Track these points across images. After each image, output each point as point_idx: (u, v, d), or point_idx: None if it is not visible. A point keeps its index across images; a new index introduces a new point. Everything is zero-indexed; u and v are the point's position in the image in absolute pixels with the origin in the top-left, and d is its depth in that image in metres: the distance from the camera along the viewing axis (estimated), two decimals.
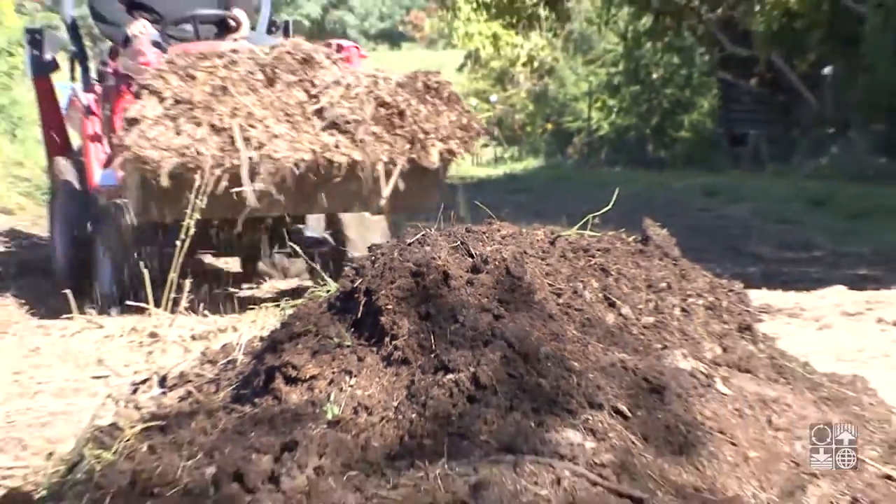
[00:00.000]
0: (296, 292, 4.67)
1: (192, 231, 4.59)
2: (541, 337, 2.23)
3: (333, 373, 2.28)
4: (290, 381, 2.30)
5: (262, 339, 2.87)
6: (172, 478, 2.12)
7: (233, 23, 5.57)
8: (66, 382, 4.24)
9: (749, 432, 2.25)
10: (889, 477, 2.31)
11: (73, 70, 6.20)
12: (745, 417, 2.29)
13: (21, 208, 9.17)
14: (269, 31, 6.12)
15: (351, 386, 2.23)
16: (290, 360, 2.32)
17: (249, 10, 5.82)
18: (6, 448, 3.41)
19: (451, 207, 3.44)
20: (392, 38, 50.79)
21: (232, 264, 6.61)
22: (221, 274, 6.25)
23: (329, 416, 2.15)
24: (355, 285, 2.46)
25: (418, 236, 2.59)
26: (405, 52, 42.57)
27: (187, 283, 4.35)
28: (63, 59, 6.71)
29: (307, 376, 2.29)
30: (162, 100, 4.31)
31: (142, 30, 5.26)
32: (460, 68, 25.03)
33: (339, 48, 5.05)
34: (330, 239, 5.52)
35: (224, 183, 4.29)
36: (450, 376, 2.14)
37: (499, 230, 2.77)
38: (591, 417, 2.08)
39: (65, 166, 5.94)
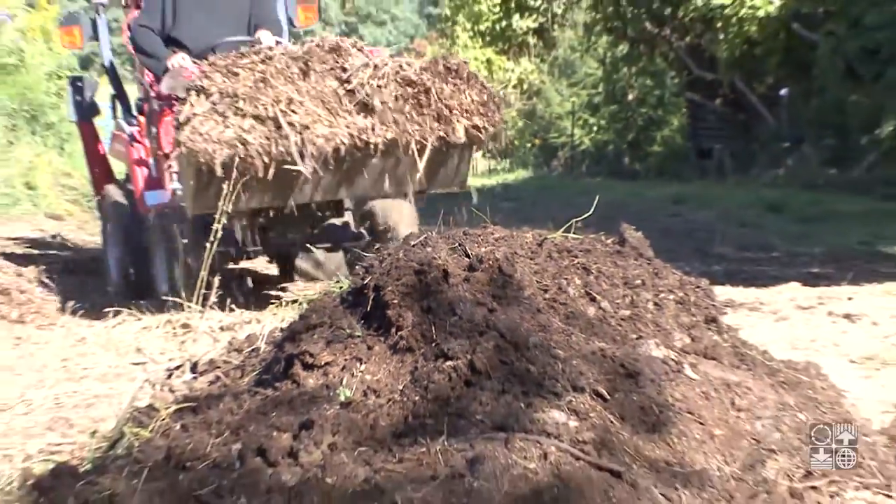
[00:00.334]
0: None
1: (241, 226, 4.54)
2: (530, 328, 2.24)
3: (345, 360, 2.28)
4: (307, 367, 2.30)
5: (282, 330, 2.87)
6: (203, 453, 2.13)
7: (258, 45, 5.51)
8: (108, 368, 4.24)
9: (714, 412, 2.25)
10: None
11: (114, 108, 6.18)
12: (711, 399, 2.29)
13: (69, 214, 9.18)
14: None
15: (361, 372, 2.24)
16: (307, 348, 2.32)
17: (278, 33, 5.74)
18: (55, 427, 3.42)
19: (451, 213, 3.44)
20: None
21: (263, 264, 6.58)
22: (251, 274, 6.23)
23: (342, 399, 2.16)
24: (365, 282, 2.46)
25: (421, 238, 2.60)
26: None
27: (216, 280, 4.34)
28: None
29: (322, 363, 2.29)
30: (209, 96, 4.23)
31: (180, 61, 5.23)
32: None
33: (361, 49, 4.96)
34: (365, 233, 5.43)
35: (272, 170, 4.19)
36: (449, 363, 2.14)
37: (492, 233, 2.78)
38: (574, 399, 2.08)
39: (115, 192, 5.93)
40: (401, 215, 5.28)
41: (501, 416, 2.01)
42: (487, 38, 18.87)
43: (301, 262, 5.72)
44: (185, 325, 4.57)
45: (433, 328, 2.24)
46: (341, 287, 2.78)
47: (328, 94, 4.34)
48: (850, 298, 5.12)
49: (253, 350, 2.98)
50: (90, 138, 6.48)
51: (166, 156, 5.10)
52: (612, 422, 2.06)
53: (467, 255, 2.48)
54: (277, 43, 5.39)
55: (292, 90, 4.28)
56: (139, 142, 5.39)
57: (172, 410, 2.48)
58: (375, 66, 4.41)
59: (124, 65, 6.31)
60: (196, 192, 4.30)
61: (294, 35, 6.42)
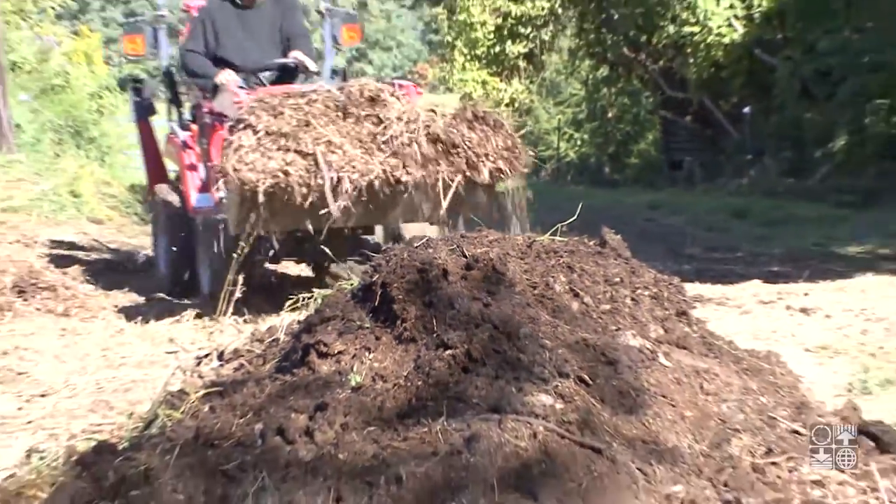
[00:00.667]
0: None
1: (277, 240, 4.50)
2: (520, 320, 2.23)
3: (356, 349, 2.28)
4: (322, 355, 2.29)
5: (299, 322, 2.87)
6: (228, 432, 2.12)
7: (294, 66, 5.45)
8: (143, 357, 4.24)
9: (685, 396, 2.25)
10: (796, 431, 2.31)
11: (169, 112, 6.12)
12: (682, 384, 2.29)
13: (109, 218, 9.17)
14: (332, 77, 5.99)
15: (370, 359, 2.23)
16: (322, 338, 2.32)
17: (309, 51, 5.66)
18: (96, 409, 3.42)
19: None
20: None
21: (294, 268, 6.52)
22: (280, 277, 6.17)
23: (352, 384, 2.15)
24: (373, 279, 2.46)
25: (423, 241, 2.59)
26: None
27: (240, 277, 4.32)
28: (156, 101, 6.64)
29: (335, 352, 2.29)
30: (255, 131, 4.21)
31: (227, 77, 5.20)
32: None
33: (400, 87, 4.90)
34: None
35: (309, 199, 4.17)
36: (448, 352, 2.14)
37: (487, 236, 2.77)
38: (559, 384, 2.08)
39: (165, 191, 5.86)
40: (425, 235, 5.22)
41: (495, 399, 2.01)
42: (483, 62, 18.88)
43: (335, 268, 5.69)
44: (213, 319, 4.57)
45: (434, 321, 2.24)
46: (352, 284, 2.77)
47: (364, 136, 4.31)
48: (806, 294, 5.12)
49: (273, 340, 2.98)
50: (147, 137, 6.37)
51: (215, 167, 5.05)
52: (593, 404, 2.06)
53: (464, 256, 2.48)
54: (317, 74, 5.36)
55: (332, 131, 4.26)
56: (191, 147, 5.34)
57: (201, 394, 2.48)
58: (409, 121, 4.36)
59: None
60: (239, 214, 4.26)
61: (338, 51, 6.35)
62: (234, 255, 4.35)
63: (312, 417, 2.06)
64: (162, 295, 5.38)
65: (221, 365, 3.05)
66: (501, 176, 4.47)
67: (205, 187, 5.32)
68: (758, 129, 15.18)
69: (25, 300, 5.15)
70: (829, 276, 6.03)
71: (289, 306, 3.29)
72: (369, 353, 2.25)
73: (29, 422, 3.35)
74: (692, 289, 4.40)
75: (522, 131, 4.73)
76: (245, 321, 4.41)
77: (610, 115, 20.54)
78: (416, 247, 2.54)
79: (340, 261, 5.20)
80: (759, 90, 14.65)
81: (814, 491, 2.09)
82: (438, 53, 23.63)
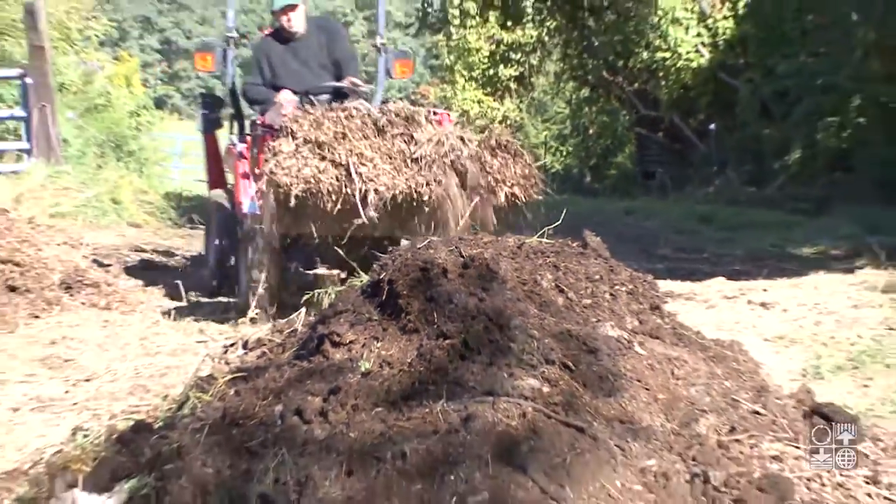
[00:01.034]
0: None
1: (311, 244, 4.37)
2: (511, 313, 2.23)
3: (365, 339, 2.27)
4: (335, 344, 2.29)
5: (315, 314, 2.87)
6: (252, 413, 2.12)
7: (348, 91, 5.35)
8: (177, 346, 4.24)
9: (658, 381, 2.25)
10: (757, 412, 2.31)
11: (231, 126, 6.05)
12: (655, 370, 2.29)
13: (146, 223, 9.16)
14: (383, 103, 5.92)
15: (377, 348, 2.23)
16: (335, 329, 2.31)
17: (357, 72, 5.58)
18: (134, 392, 3.42)
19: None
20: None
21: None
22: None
23: (362, 370, 2.15)
24: (381, 277, 2.45)
25: (425, 243, 2.59)
26: None
27: (262, 275, 4.29)
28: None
29: (347, 341, 2.28)
30: (295, 138, 4.12)
31: (286, 96, 5.18)
32: (455, 125, 24.75)
33: (435, 113, 4.78)
34: None
35: (338, 206, 4.06)
36: (447, 341, 2.14)
37: (482, 238, 2.78)
38: (546, 370, 2.07)
39: (220, 196, 5.79)
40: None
41: (489, 384, 2.00)
42: (479, 83, 18.90)
43: (321, 271, 5.60)
44: (240, 313, 4.56)
45: (434, 313, 2.23)
46: (362, 281, 2.77)
47: (395, 153, 4.21)
48: (765, 290, 5.12)
49: (292, 331, 2.97)
50: (211, 147, 6.24)
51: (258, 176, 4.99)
52: (576, 388, 2.06)
53: (462, 256, 2.48)
54: (362, 91, 5.31)
55: (365, 146, 4.16)
56: (245, 158, 5.29)
57: (228, 379, 2.48)
58: (438, 142, 4.26)
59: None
60: (273, 216, 4.18)
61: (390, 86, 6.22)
62: (267, 260, 4.30)
63: (326, 400, 2.06)
64: (193, 293, 5.36)
65: (246, 353, 3.04)
66: (516, 201, 4.36)
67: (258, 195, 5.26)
68: (722, 143, 15.19)
69: (72, 295, 5.15)
70: (786, 274, 6.03)
71: (305, 301, 3.28)
72: (377, 342, 2.25)
73: (74, 403, 3.35)
74: (664, 285, 4.39)
75: (540, 162, 4.60)
76: (268, 314, 4.41)
77: (591, 131, 20.54)
78: (419, 248, 2.53)
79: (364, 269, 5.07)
80: (723, 109, 14.66)
81: (772, 465, 2.09)
82: (439, 76, 23.63)
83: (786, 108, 13.00)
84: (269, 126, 4.80)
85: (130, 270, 6.43)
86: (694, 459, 1.99)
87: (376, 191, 4.06)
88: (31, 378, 3.73)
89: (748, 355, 2.71)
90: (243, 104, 5.87)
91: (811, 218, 10.33)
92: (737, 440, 2.14)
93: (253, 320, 4.18)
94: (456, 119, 4.59)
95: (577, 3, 16.29)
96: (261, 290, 3.99)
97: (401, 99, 5.93)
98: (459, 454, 1.81)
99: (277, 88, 5.36)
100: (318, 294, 3.43)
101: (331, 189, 4.04)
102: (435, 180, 4.18)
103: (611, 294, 2.62)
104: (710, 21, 13.96)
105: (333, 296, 2.91)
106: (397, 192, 4.11)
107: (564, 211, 3.41)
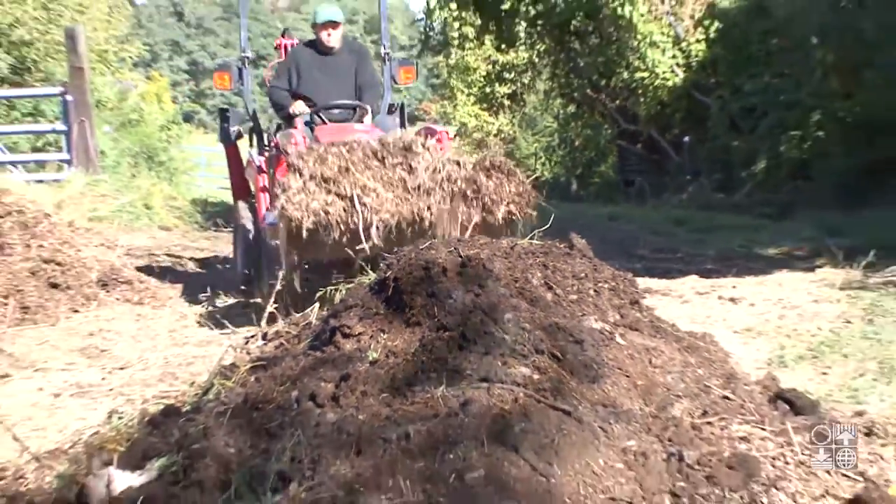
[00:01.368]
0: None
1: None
2: (504, 308, 2.23)
3: (373, 331, 2.27)
4: (345, 336, 2.29)
5: (327, 309, 2.87)
6: (270, 398, 2.12)
7: (359, 111, 5.31)
8: (203, 337, 4.24)
9: (637, 368, 2.24)
10: (727, 397, 2.30)
11: (251, 140, 6.00)
12: (635, 359, 2.29)
13: (175, 226, 9.15)
14: (390, 112, 5.80)
15: (384, 339, 2.23)
16: (345, 322, 2.31)
17: (376, 98, 5.54)
18: (164, 379, 3.42)
19: None
20: (410, 118, 50.42)
21: None
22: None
23: (370, 359, 2.15)
24: (387, 275, 2.45)
25: (427, 244, 2.59)
26: (419, 127, 42.10)
27: (280, 273, 4.27)
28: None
29: (356, 333, 2.28)
30: (301, 175, 4.07)
31: (301, 109, 5.12)
32: (454, 138, 24.82)
33: (433, 132, 4.70)
34: None
35: (346, 236, 3.99)
36: (447, 333, 2.14)
37: (478, 240, 2.77)
38: (536, 359, 2.07)
39: (244, 207, 5.72)
40: None
41: (484, 371, 2.00)
42: (477, 98, 18.92)
43: None
44: (257, 307, 4.55)
45: (435, 308, 2.24)
46: (370, 279, 2.77)
47: (395, 181, 4.15)
48: (734, 287, 5.11)
49: (306, 324, 2.98)
50: (233, 159, 6.12)
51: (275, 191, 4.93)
52: (563, 375, 2.06)
53: (460, 256, 2.48)
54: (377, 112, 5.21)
55: (368, 177, 4.10)
56: (265, 172, 5.25)
57: (249, 367, 2.48)
58: (435, 169, 4.19)
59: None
60: (288, 245, 4.14)
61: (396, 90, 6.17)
62: (283, 265, 4.27)
63: (338, 386, 2.06)
64: (219, 291, 5.34)
65: (265, 343, 3.05)
66: (513, 218, 4.26)
67: (272, 206, 5.21)
68: (695, 154, 15.18)
69: (108, 292, 5.15)
70: (752, 272, 6.02)
71: (318, 296, 3.28)
72: (383, 334, 2.25)
73: (110, 389, 3.35)
74: (643, 282, 4.38)
75: (533, 177, 4.50)
76: (286, 310, 4.39)
77: (577, 143, 20.51)
78: (421, 249, 2.53)
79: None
80: (696, 123, 14.65)
81: (741, 445, 2.09)
82: (439, 94, 23.63)
83: (752, 122, 13.01)
84: (281, 149, 4.78)
85: (161, 269, 6.43)
86: (670, 440, 1.99)
87: (381, 220, 4.00)
88: (71, 366, 3.74)
89: (719, 346, 2.71)
90: (262, 119, 5.84)
91: (775, 222, 10.32)
92: (708, 423, 2.13)
93: (272, 315, 4.18)
94: (454, 133, 4.53)
95: (564, 28, 16.31)
96: (278, 288, 3.96)
97: (400, 111, 5.88)
98: (458, 435, 1.81)
99: (298, 96, 5.33)
100: (330, 290, 3.43)
101: (339, 220, 3.99)
102: (436, 203, 4.12)
103: (594, 290, 2.62)
104: (684, 44, 13.96)
105: (344, 292, 2.91)
106: (400, 218, 4.05)
107: (552, 216, 3.41)
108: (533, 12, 15.79)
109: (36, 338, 4.19)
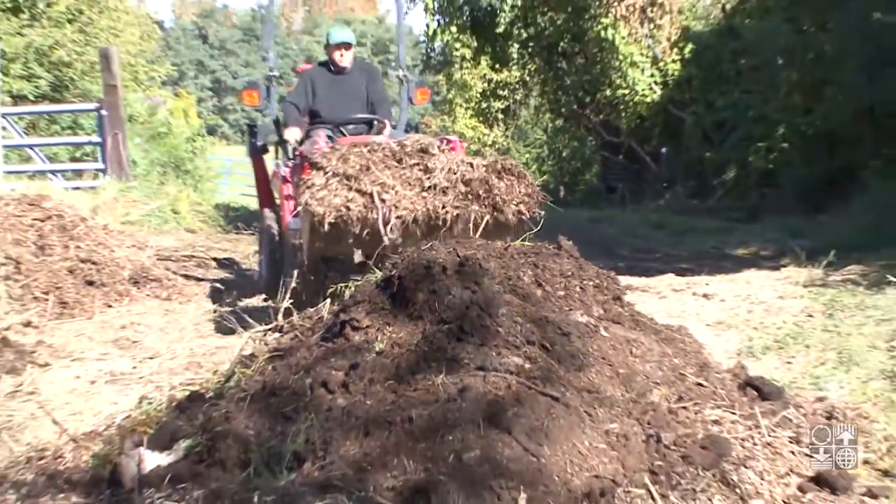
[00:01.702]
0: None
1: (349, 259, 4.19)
2: (498, 303, 2.23)
3: (379, 324, 2.27)
4: (354, 328, 2.28)
5: (338, 304, 2.86)
6: (286, 385, 2.12)
7: (378, 124, 5.23)
8: (225, 330, 4.22)
9: (619, 358, 2.24)
10: (700, 384, 2.30)
11: (276, 152, 5.95)
12: (617, 350, 2.29)
13: (200, 229, 9.14)
14: (407, 130, 5.69)
15: (389, 332, 2.22)
16: (354, 316, 2.31)
17: (388, 114, 5.43)
18: (190, 368, 3.41)
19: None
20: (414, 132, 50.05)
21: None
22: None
23: (377, 350, 2.14)
24: (392, 273, 2.45)
25: (428, 245, 2.59)
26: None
27: (294, 272, 4.25)
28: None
29: (364, 326, 2.28)
30: (325, 173, 3.98)
31: (294, 136, 5.05)
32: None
33: (448, 141, 4.61)
34: None
35: (366, 231, 3.88)
36: (446, 326, 2.13)
37: (475, 242, 2.77)
38: (528, 349, 2.07)
39: (269, 215, 5.65)
40: None
41: (481, 360, 2.00)
42: (473, 113, 18.95)
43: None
44: (277, 303, 4.53)
45: (436, 303, 2.23)
46: (376, 277, 2.76)
47: (413, 180, 4.05)
48: (706, 284, 5.11)
49: (319, 318, 2.96)
50: (259, 170, 6.02)
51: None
52: (552, 364, 2.06)
53: (458, 256, 2.47)
54: (394, 127, 5.13)
55: (387, 175, 4.01)
56: (289, 181, 5.20)
57: (266, 357, 2.47)
58: (450, 170, 4.09)
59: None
60: (310, 240, 4.06)
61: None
62: (303, 268, 4.23)
63: (347, 374, 2.05)
64: (240, 291, 5.32)
65: (281, 335, 3.04)
66: (522, 217, 4.13)
67: (297, 213, 5.15)
68: (671, 164, 15.20)
69: (139, 289, 5.15)
70: (723, 270, 6.02)
71: (330, 293, 3.27)
72: (389, 327, 2.25)
73: (140, 377, 3.34)
74: (624, 280, 4.35)
75: (540, 180, 4.44)
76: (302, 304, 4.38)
77: (564, 154, 20.50)
78: (423, 249, 2.53)
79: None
80: (672, 136, 14.66)
81: (713, 427, 2.09)
82: (439, 109, 23.64)
83: (723, 135, 13.02)
84: (306, 157, 4.74)
85: (187, 268, 6.42)
86: (649, 423, 1.99)
87: (398, 216, 3.90)
88: (105, 356, 3.73)
89: (693, 338, 2.71)
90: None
91: (744, 225, 10.33)
92: (684, 407, 2.13)
93: (288, 310, 4.16)
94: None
95: (552, 49, 16.37)
96: (294, 285, 3.93)
97: (416, 129, 5.84)
98: (456, 419, 1.81)
99: (313, 113, 5.28)
100: (341, 287, 3.42)
101: (359, 216, 3.88)
102: (450, 202, 4.02)
103: (580, 287, 2.62)
104: (661, 64, 13.99)
105: (353, 289, 2.90)
106: (417, 214, 3.94)
107: (541, 220, 3.40)
108: (524, 35, 15.89)
109: (73, 330, 4.19)
